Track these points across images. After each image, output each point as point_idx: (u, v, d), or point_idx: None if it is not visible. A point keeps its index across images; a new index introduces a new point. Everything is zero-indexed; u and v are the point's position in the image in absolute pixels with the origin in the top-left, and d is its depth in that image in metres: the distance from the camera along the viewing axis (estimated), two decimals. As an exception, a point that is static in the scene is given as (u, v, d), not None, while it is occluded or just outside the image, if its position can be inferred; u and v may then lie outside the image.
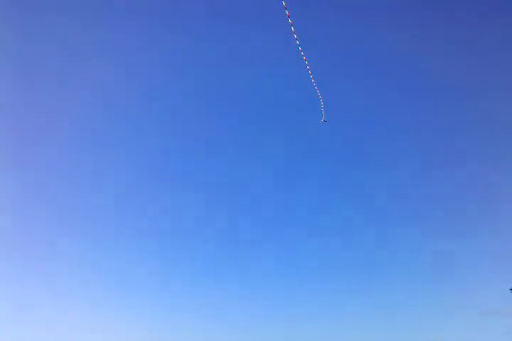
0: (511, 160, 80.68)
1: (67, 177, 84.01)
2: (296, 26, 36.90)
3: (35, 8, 79.76)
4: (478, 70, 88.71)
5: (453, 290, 68.77)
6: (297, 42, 39.29)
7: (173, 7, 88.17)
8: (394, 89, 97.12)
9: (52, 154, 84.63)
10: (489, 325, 57.93)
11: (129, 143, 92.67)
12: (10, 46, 77.40)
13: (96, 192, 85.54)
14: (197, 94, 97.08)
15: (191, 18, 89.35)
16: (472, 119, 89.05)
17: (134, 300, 71.67)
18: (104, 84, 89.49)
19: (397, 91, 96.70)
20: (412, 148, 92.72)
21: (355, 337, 65.45)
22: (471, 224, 78.15)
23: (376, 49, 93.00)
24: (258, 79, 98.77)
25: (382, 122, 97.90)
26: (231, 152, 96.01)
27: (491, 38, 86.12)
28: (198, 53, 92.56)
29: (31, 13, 79.38)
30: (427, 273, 73.74)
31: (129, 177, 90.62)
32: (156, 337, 65.75)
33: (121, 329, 65.55)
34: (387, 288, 73.13)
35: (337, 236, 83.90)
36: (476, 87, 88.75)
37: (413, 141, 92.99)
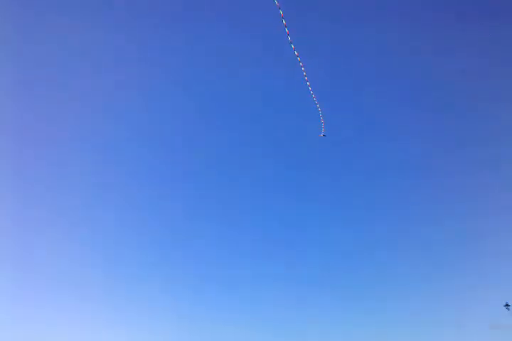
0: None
1: (67, 178, 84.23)
2: (295, 39, 37.15)
3: (35, 8, 79.88)
4: (477, 71, 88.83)
5: (460, 302, 66.96)
6: (296, 54, 39.33)
7: (173, 7, 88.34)
8: (395, 92, 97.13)
9: (52, 154, 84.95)
10: (499, 340, 55.70)
11: (129, 143, 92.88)
12: (10, 46, 77.44)
13: (96, 192, 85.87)
14: (197, 95, 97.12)
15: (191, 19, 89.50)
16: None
17: (134, 301, 71.87)
18: (104, 84, 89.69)
19: (398, 96, 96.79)
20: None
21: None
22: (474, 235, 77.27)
23: (377, 53, 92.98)
24: (254, 88, 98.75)
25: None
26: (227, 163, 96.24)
27: (490, 38, 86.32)
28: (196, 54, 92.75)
29: (31, 13, 79.49)
30: (432, 286, 72.22)
31: (129, 177, 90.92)
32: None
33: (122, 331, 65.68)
34: (389, 301, 71.74)
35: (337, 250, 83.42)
36: (477, 88, 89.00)
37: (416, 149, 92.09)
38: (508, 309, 51.16)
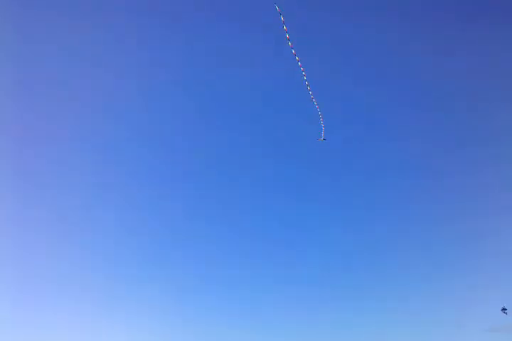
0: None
1: (67, 178, 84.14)
2: (295, 40, 37.18)
3: (35, 8, 79.77)
4: (477, 71, 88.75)
5: (456, 305, 67.08)
6: (297, 59, 39.63)
7: (173, 7, 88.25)
8: (395, 92, 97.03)
9: (52, 154, 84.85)
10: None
11: (129, 143, 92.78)
12: (10, 46, 77.36)
13: (96, 192, 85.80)
14: (197, 95, 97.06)
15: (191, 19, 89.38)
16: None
17: (133, 301, 71.86)
18: (104, 84, 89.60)
19: (398, 96, 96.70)
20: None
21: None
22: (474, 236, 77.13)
23: (377, 53, 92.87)
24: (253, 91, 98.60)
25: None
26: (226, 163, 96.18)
27: (490, 38, 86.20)
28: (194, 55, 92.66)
29: (31, 13, 79.38)
30: (427, 288, 72.32)
31: (129, 177, 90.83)
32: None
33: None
34: (389, 301, 71.99)
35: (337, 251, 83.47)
36: (477, 88, 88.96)
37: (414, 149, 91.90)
38: (506, 313, 51.04)
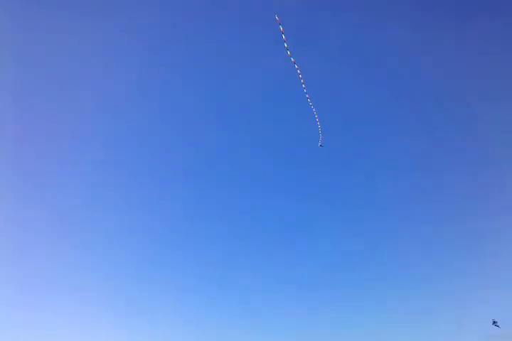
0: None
1: (67, 178, 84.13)
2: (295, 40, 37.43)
3: (35, 8, 79.70)
4: (477, 71, 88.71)
5: (458, 312, 65.73)
6: (296, 67, 40.14)
7: (173, 7, 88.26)
8: (395, 92, 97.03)
9: (52, 154, 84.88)
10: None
11: (129, 143, 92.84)
12: (10, 46, 77.35)
13: (96, 192, 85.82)
14: (197, 95, 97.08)
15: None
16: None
17: (133, 301, 71.86)
18: (104, 84, 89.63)
19: (398, 96, 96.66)
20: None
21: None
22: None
23: (377, 54, 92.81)
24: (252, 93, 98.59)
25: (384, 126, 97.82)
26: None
27: (491, 37, 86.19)
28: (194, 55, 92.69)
29: (31, 13, 79.32)
30: (427, 288, 71.81)
31: (129, 177, 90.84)
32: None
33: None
34: (383, 304, 71.45)
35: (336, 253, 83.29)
36: (477, 88, 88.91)
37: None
38: (497, 326, 50.70)
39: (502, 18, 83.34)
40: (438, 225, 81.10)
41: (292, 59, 39.15)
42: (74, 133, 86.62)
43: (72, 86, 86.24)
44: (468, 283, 69.31)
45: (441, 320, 65.53)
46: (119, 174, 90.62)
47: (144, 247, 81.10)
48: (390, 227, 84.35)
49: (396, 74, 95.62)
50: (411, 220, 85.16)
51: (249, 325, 70.57)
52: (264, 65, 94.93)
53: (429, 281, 72.61)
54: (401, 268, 77.42)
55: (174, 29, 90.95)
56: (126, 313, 69.23)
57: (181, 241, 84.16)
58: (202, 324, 70.21)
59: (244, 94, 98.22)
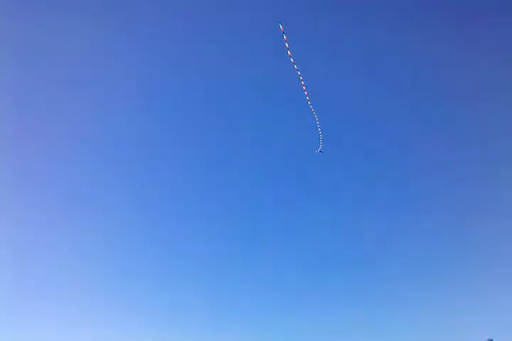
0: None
1: (67, 178, 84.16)
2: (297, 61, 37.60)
3: (35, 8, 79.69)
4: (477, 71, 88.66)
5: (463, 316, 66.18)
6: (298, 73, 40.43)
7: (173, 8, 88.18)
8: (395, 92, 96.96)
9: (51, 154, 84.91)
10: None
11: (129, 143, 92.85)
12: (10, 46, 77.36)
13: (96, 192, 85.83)
14: (197, 95, 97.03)
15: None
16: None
17: (133, 301, 71.89)
18: (104, 84, 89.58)
19: (398, 96, 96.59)
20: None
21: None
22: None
23: (377, 53, 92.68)
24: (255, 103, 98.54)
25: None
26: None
27: (491, 37, 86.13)
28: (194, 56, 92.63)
29: (31, 13, 79.30)
30: (427, 294, 72.25)
31: (129, 177, 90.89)
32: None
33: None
34: (383, 304, 71.99)
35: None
36: (476, 88, 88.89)
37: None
38: None
39: (502, 18, 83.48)
40: (439, 230, 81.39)
41: (292, 59, 39.15)
42: (74, 133, 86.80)
43: (72, 86, 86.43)
44: (468, 289, 69.91)
45: (443, 317, 66.42)
46: (119, 174, 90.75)
47: (144, 247, 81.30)
48: (390, 228, 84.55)
49: (396, 74, 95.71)
50: (411, 220, 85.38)
51: (250, 325, 70.79)
52: (264, 66, 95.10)
53: (429, 286, 73.00)
54: (401, 268, 77.76)
55: (175, 29, 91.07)
56: (125, 312, 69.41)
57: (181, 241, 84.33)
58: (202, 323, 70.54)
59: (245, 95, 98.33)
